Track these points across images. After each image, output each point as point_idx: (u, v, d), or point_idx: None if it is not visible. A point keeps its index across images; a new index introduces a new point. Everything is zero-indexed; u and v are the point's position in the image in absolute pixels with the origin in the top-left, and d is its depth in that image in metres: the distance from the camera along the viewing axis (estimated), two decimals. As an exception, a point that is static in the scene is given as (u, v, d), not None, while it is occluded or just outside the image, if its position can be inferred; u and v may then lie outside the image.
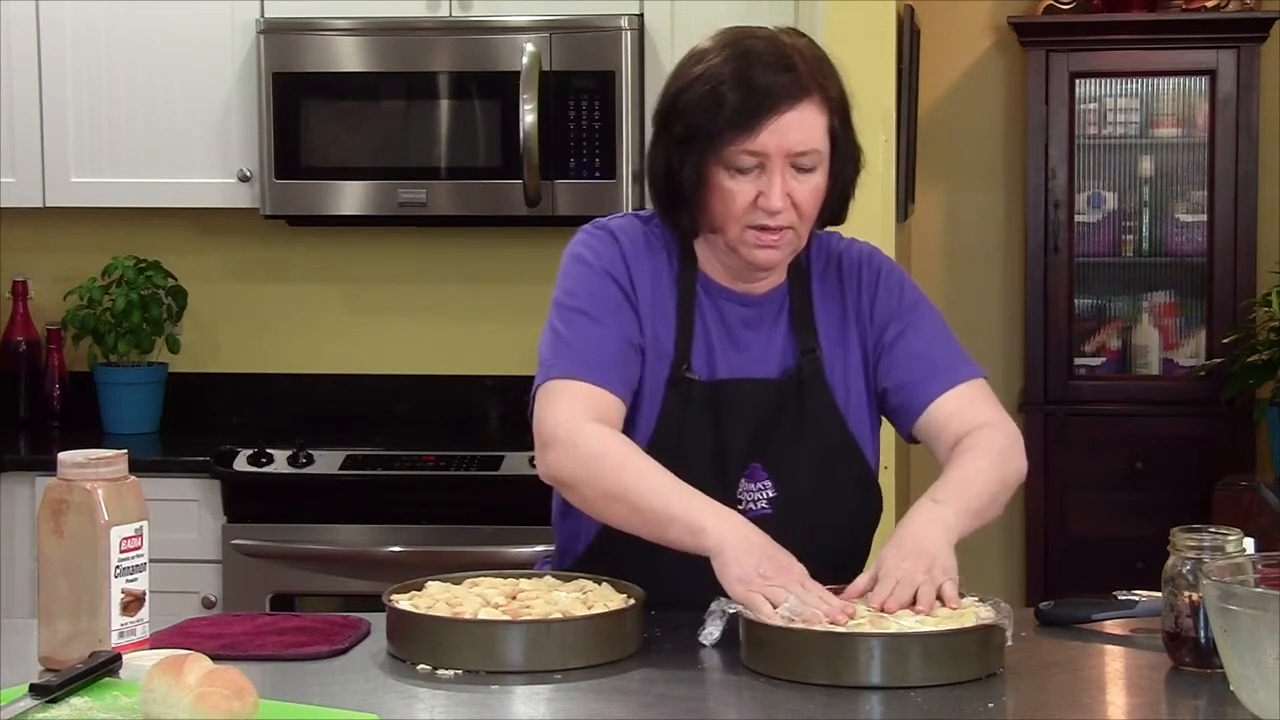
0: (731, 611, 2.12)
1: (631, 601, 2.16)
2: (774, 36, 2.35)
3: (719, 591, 2.14)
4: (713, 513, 2.18)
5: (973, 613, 2.09)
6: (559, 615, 2.10)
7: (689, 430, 2.36)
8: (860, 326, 2.44)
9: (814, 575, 2.18)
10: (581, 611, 2.12)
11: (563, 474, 2.27)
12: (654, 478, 2.23)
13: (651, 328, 2.38)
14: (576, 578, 2.24)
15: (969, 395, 2.41)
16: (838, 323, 2.44)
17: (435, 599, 2.16)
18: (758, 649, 2.07)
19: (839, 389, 2.42)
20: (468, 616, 2.10)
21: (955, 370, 2.42)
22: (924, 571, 2.13)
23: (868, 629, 2.04)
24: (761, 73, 2.29)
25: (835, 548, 2.37)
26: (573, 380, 2.30)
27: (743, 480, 2.37)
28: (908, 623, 2.05)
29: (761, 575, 2.11)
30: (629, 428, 2.35)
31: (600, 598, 2.18)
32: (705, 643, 2.14)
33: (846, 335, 2.44)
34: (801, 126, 2.29)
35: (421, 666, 2.07)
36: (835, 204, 2.39)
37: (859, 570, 2.32)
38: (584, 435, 2.26)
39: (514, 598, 2.17)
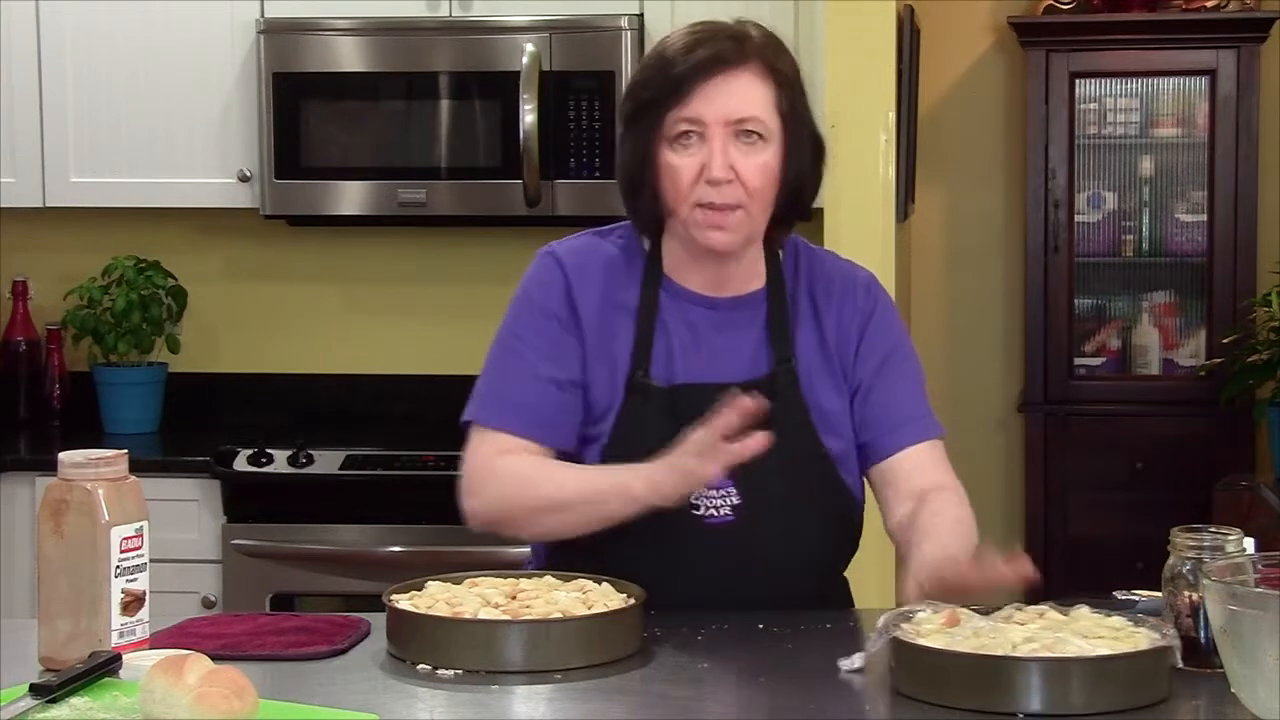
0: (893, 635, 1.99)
1: (631, 601, 2.16)
2: (728, 22, 2.37)
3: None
4: (628, 472, 2.25)
5: (1144, 635, 1.98)
6: (559, 615, 2.10)
7: (645, 436, 2.32)
8: (843, 350, 2.42)
9: (781, 590, 2.29)
10: (581, 611, 2.12)
11: (487, 515, 2.36)
12: (565, 475, 2.32)
13: (604, 345, 2.38)
14: (576, 577, 2.24)
15: (931, 454, 2.41)
16: (822, 341, 2.42)
17: (435, 599, 2.16)
18: (907, 672, 1.95)
19: (815, 404, 2.39)
20: (468, 616, 2.10)
21: (923, 425, 2.42)
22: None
23: (1035, 651, 1.91)
24: (704, 46, 2.31)
25: (804, 561, 2.36)
26: (492, 431, 2.37)
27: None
28: (1074, 646, 1.93)
29: (682, 457, 2.19)
30: (589, 440, 2.37)
31: (600, 597, 2.17)
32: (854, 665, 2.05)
33: (828, 355, 2.41)
34: (740, 93, 2.30)
35: (421, 666, 2.07)
36: (793, 192, 2.36)
37: (830, 588, 2.39)
38: (493, 474, 2.34)
39: (514, 597, 2.17)
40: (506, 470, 2.34)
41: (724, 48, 2.31)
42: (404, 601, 2.17)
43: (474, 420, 2.40)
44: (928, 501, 2.33)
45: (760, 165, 2.31)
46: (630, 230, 2.46)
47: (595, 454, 2.37)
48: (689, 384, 2.36)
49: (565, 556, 2.36)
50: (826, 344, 2.42)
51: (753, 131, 2.30)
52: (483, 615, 2.10)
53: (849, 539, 2.46)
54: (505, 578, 2.25)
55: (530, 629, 2.07)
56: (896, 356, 2.44)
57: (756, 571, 2.34)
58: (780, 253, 2.45)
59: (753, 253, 2.41)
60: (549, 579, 2.24)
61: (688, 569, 2.31)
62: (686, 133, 2.30)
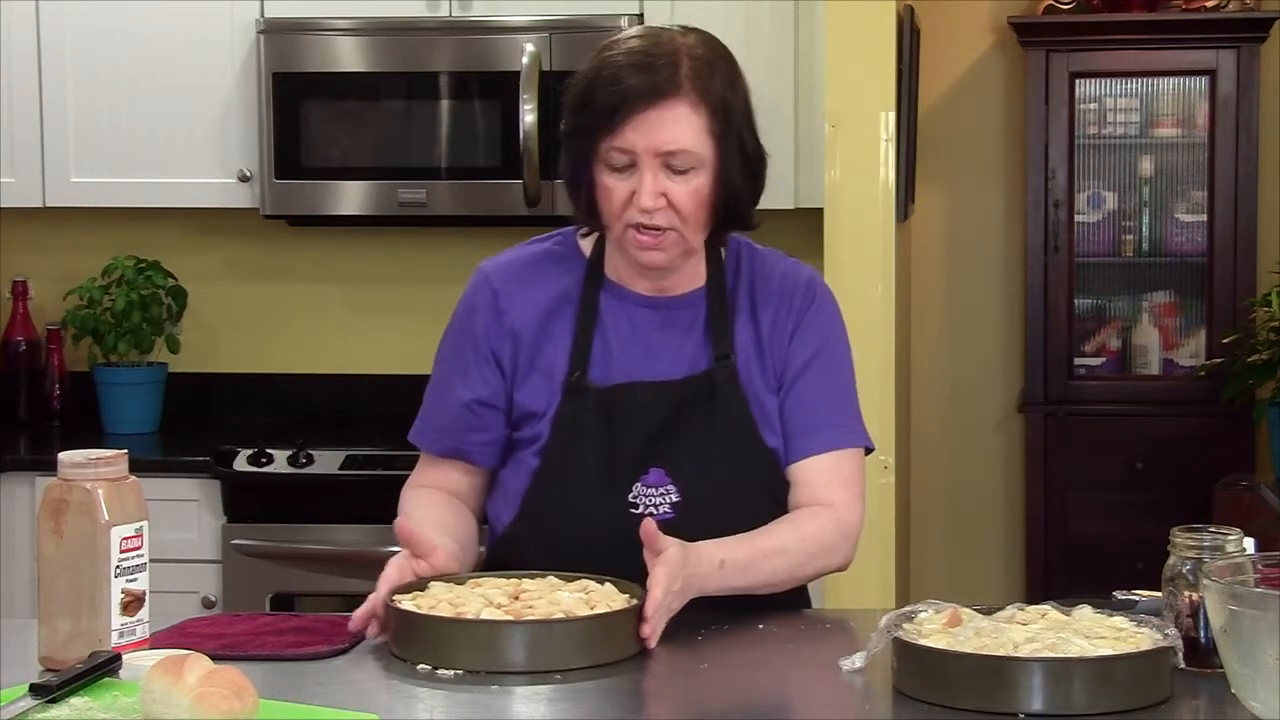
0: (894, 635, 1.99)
1: (634, 602, 2.16)
2: (658, 35, 2.34)
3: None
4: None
5: (1146, 635, 1.98)
6: (561, 615, 2.10)
7: (581, 436, 2.36)
8: (775, 349, 2.41)
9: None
10: (584, 612, 2.12)
11: None
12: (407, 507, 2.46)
13: (541, 351, 2.40)
14: (579, 578, 2.24)
15: (837, 465, 2.40)
16: (758, 339, 2.42)
17: (438, 599, 2.16)
18: (909, 672, 1.95)
19: (755, 400, 2.39)
20: (471, 617, 2.10)
21: (837, 433, 2.41)
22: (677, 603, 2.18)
23: (1037, 651, 1.91)
24: (630, 72, 2.29)
25: None
26: (423, 451, 2.53)
27: (638, 485, 2.35)
28: (1076, 646, 1.93)
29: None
30: (527, 442, 2.40)
31: (603, 598, 2.17)
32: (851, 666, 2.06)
33: (762, 353, 2.41)
34: (669, 125, 2.28)
35: (422, 666, 2.07)
36: (728, 208, 2.35)
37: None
38: (402, 501, 2.50)
39: (517, 598, 2.17)
40: (402, 503, 2.48)
41: (655, 78, 2.27)
42: (407, 602, 2.17)
43: (412, 438, 2.54)
44: (801, 513, 2.36)
45: (691, 191, 2.31)
46: (569, 235, 2.48)
47: (533, 456, 2.39)
48: (626, 383, 2.37)
49: (509, 557, 2.39)
50: (761, 342, 2.42)
51: (681, 163, 2.29)
52: (485, 615, 2.10)
53: None
54: (508, 578, 2.25)
55: (533, 629, 2.07)
56: (824, 357, 2.43)
57: None
58: (723, 251, 2.45)
59: (694, 258, 2.42)
60: (551, 579, 2.24)
61: (628, 567, 2.29)
62: (620, 157, 2.30)
